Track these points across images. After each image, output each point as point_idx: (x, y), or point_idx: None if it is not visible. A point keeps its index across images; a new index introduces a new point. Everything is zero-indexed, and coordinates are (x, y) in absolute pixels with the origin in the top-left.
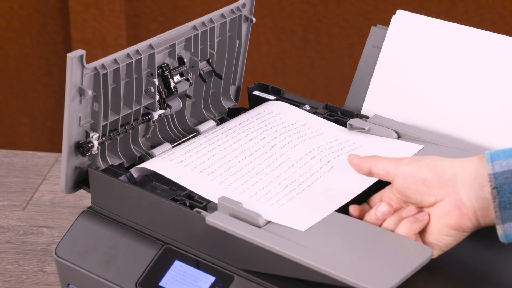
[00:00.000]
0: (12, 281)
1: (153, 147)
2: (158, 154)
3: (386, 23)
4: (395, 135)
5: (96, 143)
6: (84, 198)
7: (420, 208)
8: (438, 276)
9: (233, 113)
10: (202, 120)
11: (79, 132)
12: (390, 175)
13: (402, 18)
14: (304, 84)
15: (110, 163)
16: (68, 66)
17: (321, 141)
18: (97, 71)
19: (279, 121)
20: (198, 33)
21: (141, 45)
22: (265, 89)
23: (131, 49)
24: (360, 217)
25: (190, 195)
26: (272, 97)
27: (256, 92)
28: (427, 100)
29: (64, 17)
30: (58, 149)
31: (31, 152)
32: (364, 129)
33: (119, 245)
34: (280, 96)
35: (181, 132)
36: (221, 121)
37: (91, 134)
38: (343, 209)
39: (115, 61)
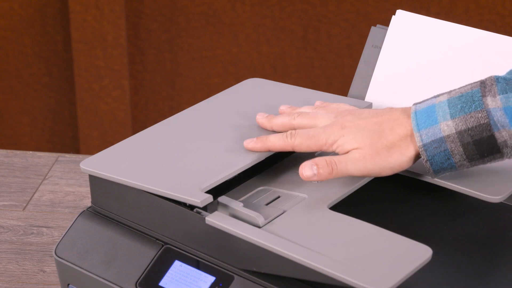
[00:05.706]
0: (12, 281)
1: None
2: None
3: (386, 23)
4: None
5: None
6: (84, 198)
7: None
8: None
9: None
10: None
11: None
12: None
13: (402, 18)
14: (304, 84)
15: None
16: None
17: None
18: None
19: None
20: None
21: None
22: None
23: None
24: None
25: None
26: None
27: None
28: None
29: (64, 17)
30: (58, 149)
31: (31, 152)
32: None
33: (119, 245)
34: None
35: None
36: None
37: None
38: (344, 209)
39: None
